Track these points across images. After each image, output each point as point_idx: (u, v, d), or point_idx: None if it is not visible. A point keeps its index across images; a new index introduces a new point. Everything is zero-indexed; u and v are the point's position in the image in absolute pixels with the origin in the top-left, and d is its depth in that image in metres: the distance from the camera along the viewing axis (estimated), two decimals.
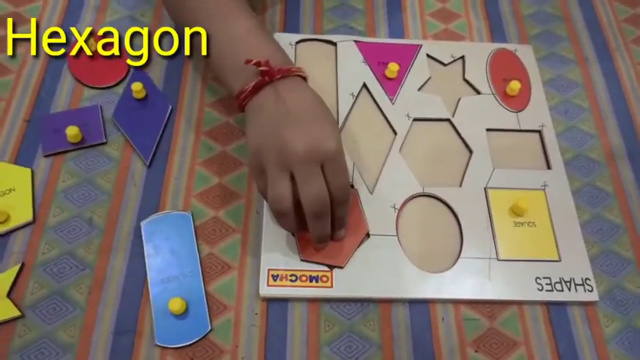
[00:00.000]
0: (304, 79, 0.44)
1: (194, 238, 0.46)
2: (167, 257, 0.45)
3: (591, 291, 0.44)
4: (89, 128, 0.50)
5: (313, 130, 0.39)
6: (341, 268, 0.44)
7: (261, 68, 0.41)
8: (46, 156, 0.49)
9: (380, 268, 0.44)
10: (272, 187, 0.40)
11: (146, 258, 0.44)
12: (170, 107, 0.52)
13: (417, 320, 0.43)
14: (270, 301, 0.43)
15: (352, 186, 0.48)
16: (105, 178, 0.48)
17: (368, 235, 0.46)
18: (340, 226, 0.44)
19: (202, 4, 0.47)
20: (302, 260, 0.44)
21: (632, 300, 0.45)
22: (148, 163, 0.49)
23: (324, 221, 0.41)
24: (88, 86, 0.53)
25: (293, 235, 0.45)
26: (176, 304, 0.41)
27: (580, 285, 0.44)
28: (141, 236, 0.45)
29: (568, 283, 0.44)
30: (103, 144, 0.50)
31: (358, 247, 0.45)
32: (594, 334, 0.44)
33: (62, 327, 0.41)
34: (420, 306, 0.44)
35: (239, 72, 0.43)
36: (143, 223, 0.46)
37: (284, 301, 0.43)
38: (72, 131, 0.48)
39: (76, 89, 0.53)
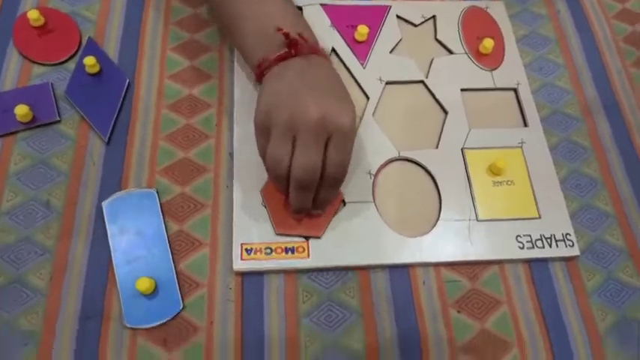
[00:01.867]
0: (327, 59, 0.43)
1: (161, 215, 0.43)
2: (132, 237, 0.42)
3: (572, 246, 0.43)
4: (40, 106, 0.47)
5: (332, 102, 0.38)
6: (318, 238, 0.42)
7: (292, 37, 0.39)
8: None
9: (357, 236, 0.43)
10: (273, 147, 0.38)
11: (110, 239, 0.42)
12: (127, 81, 0.49)
13: (398, 285, 0.42)
14: (245, 275, 0.42)
15: None
16: (61, 158, 0.45)
17: (344, 203, 0.44)
18: (321, 207, 0.42)
19: None
20: (277, 234, 0.42)
21: (613, 252, 0.45)
22: (106, 140, 0.46)
23: (307, 194, 0.39)
24: (36, 63, 0.50)
25: (265, 207, 0.43)
26: (144, 284, 0.39)
27: (561, 241, 0.44)
28: (103, 217, 0.43)
29: (549, 240, 0.44)
30: (56, 122, 0.47)
31: (334, 215, 0.43)
32: (576, 288, 0.43)
33: (23, 315, 0.39)
34: (400, 271, 0.43)
35: (264, 40, 0.41)
36: (105, 204, 0.43)
37: (259, 274, 0.42)
38: (21, 110, 0.45)
39: (24, 66, 0.49)
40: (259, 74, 0.41)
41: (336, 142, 0.38)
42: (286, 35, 0.40)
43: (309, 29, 0.44)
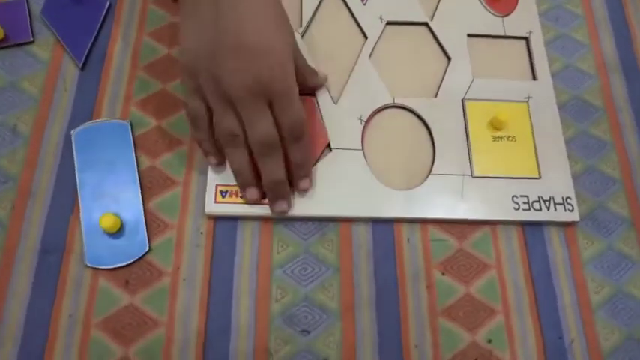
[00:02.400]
0: None
1: (132, 149, 0.40)
2: (101, 170, 0.39)
3: (572, 211, 0.40)
4: (13, 25, 0.44)
5: (257, 58, 0.33)
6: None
7: None
8: None
9: (342, 185, 0.40)
10: (220, 121, 0.35)
11: (77, 171, 0.39)
12: (108, 3, 0.45)
13: (380, 241, 0.39)
14: (217, 219, 0.39)
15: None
16: (31, 81, 0.42)
17: (329, 148, 0.41)
18: (301, 174, 0.38)
19: None
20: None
21: (615, 221, 0.42)
22: (80, 66, 0.43)
23: (275, 163, 0.36)
24: None
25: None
26: (108, 221, 0.36)
27: (560, 204, 0.40)
28: (72, 147, 0.40)
29: (547, 202, 0.40)
30: (29, 43, 0.43)
31: (318, 160, 0.40)
32: (571, 256, 0.40)
33: None
34: (385, 226, 0.40)
35: None
36: (74, 132, 0.40)
37: (233, 219, 0.39)
38: None
39: None
40: None
41: (279, 105, 0.34)
42: None
43: None
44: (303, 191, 0.39)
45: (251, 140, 0.35)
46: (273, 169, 0.36)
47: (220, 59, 0.33)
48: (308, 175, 0.38)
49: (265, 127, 0.34)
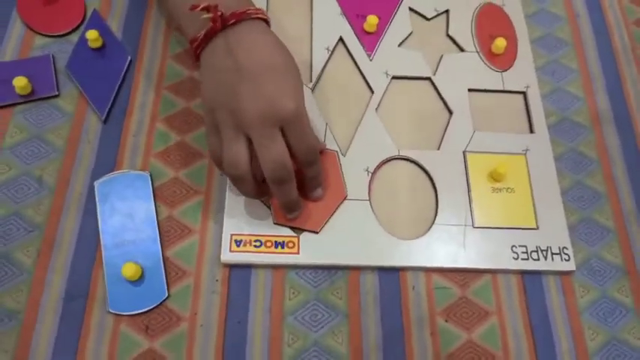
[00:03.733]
0: (266, 21, 0.40)
1: (152, 199, 0.43)
2: (122, 220, 0.42)
3: (568, 260, 0.42)
4: (40, 79, 0.46)
5: (268, 88, 0.35)
6: (316, 233, 0.42)
7: (211, 9, 0.36)
8: None
9: (350, 234, 0.42)
10: (227, 150, 0.36)
11: (99, 220, 0.41)
12: (129, 58, 0.48)
13: (387, 288, 0.41)
14: (232, 267, 0.41)
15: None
16: (56, 133, 0.45)
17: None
18: (315, 186, 0.41)
19: None
20: (275, 224, 0.42)
21: (610, 270, 0.44)
22: (103, 119, 0.45)
23: (288, 187, 0.38)
24: (39, 33, 0.49)
25: (264, 202, 0.42)
26: (130, 270, 0.39)
27: (557, 254, 0.43)
28: (94, 197, 0.42)
29: (545, 252, 0.43)
30: (55, 97, 0.46)
31: (334, 211, 0.42)
32: (568, 304, 0.42)
33: (8, 292, 0.39)
34: (391, 274, 0.42)
35: (193, 17, 0.38)
36: (97, 183, 0.43)
37: (247, 267, 0.41)
38: (20, 82, 0.44)
39: (27, 36, 0.48)
40: (195, 55, 0.39)
41: (291, 130, 0.36)
42: (206, 9, 0.36)
43: None
44: (317, 199, 0.42)
45: (264, 166, 0.36)
46: (286, 193, 0.38)
47: (235, 90, 0.35)
48: (320, 184, 0.41)
49: (278, 152, 0.35)
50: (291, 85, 0.37)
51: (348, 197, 0.43)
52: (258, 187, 0.38)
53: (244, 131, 0.36)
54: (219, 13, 0.36)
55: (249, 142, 0.36)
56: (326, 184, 0.43)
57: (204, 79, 0.38)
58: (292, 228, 0.42)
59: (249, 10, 0.38)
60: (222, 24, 0.37)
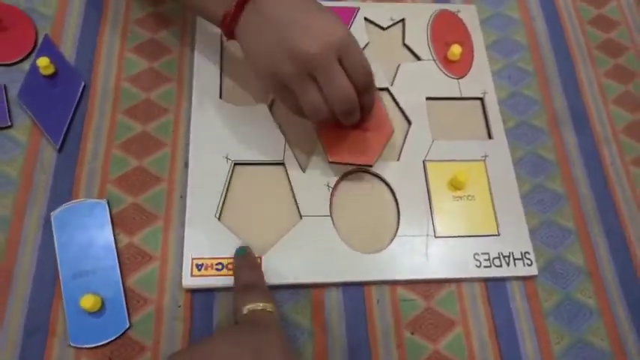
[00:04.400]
0: None
1: (110, 227, 0.42)
2: (80, 250, 0.41)
3: (530, 265, 0.43)
4: None
5: (317, 25, 0.37)
6: (370, 166, 0.44)
7: None
8: None
9: (312, 252, 0.42)
10: (304, 100, 0.38)
11: (57, 252, 0.41)
12: (82, 84, 0.47)
13: (351, 304, 0.41)
14: (194, 292, 0.41)
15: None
16: (10, 165, 0.44)
17: (300, 216, 0.43)
18: (368, 112, 0.43)
19: None
20: (330, 162, 0.43)
21: (573, 272, 0.44)
22: (58, 148, 0.45)
23: (355, 114, 0.40)
24: None
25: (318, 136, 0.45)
26: (89, 301, 0.38)
27: (519, 259, 0.43)
28: (51, 228, 0.42)
29: (507, 258, 0.43)
30: (7, 127, 0.45)
31: (386, 144, 0.44)
32: (532, 308, 0.42)
33: None
34: (355, 289, 0.42)
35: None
36: (53, 214, 0.42)
37: (210, 291, 0.41)
38: None
39: None
40: (229, 31, 0.40)
41: (348, 55, 0.38)
42: None
43: None
44: (367, 122, 0.44)
45: (333, 101, 0.38)
46: (353, 119, 0.41)
47: (289, 40, 0.37)
48: (371, 110, 0.43)
49: (344, 85, 0.38)
50: (332, 18, 0.38)
51: (310, 214, 0.43)
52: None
53: (310, 73, 0.37)
54: None
55: (317, 83, 0.38)
56: (374, 122, 0.44)
57: (249, 49, 0.39)
58: (347, 164, 0.43)
59: None
60: None
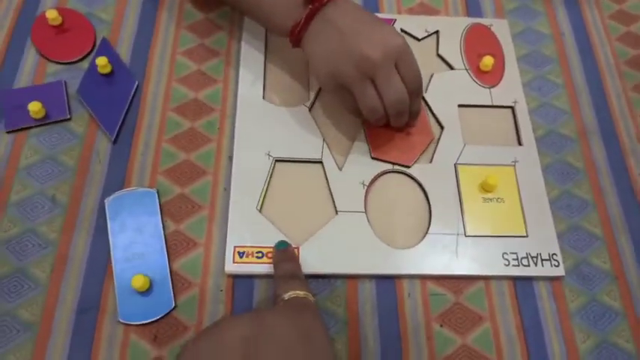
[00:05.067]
0: None
1: (159, 215, 0.45)
2: (131, 235, 0.44)
3: (557, 266, 0.44)
4: (53, 104, 0.49)
5: (378, 35, 0.42)
6: (408, 167, 0.47)
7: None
8: (8, 132, 0.48)
9: (347, 244, 0.44)
10: (364, 100, 0.42)
11: (110, 235, 0.44)
12: (136, 83, 0.51)
13: (383, 296, 0.43)
14: (235, 277, 0.43)
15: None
16: (69, 154, 0.47)
17: (336, 211, 0.45)
18: (415, 117, 0.47)
19: None
20: (372, 158, 0.48)
21: (599, 275, 0.45)
22: (113, 140, 0.48)
23: (405, 115, 0.45)
24: (52, 61, 0.52)
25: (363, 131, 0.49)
26: (139, 281, 0.41)
27: (547, 260, 0.44)
28: (105, 214, 0.45)
29: (535, 259, 0.44)
30: (67, 120, 0.49)
31: (426, 148, 0.49)
32: (559, 308, 0.44)
33: (24, 305, 0.41)
34: (387, 282, 0.44)
35: (285, 8, 0.44)
36: (107, 200, 0.45)
37: (250, 277, 0.43)
38: (34, 107, 0.47)
39: (40, 64, 0.51)
40: (296, 40, 0.45)
41: (404, 61, 0.42)
42: None
43: None
44: (411, 126, 0.49)
45: (388, 102, 0.42)
46: (403, 120, 0.45)
47: (354, 46, 0.41)
48: (418, 116, 0.48)
49: (399, 87, 0.42)
50: (391, 29, 0.43)
51: (346, 209, 0.45)
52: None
53: (370, 75, 0.41)
54: (316, 2, 0.43)
55: (375, 86, 0.42)
56: (417, 127, 0.49)
57: (315, 54, 0.44)
58: (388, 162, 0.48)
59: None
60: (320, 4, 0.42)
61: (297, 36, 0.44)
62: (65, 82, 0.51)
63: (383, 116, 0.44)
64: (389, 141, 0.48)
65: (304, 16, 0.43)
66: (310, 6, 0.43)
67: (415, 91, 0.44)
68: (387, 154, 0.48)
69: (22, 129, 0.48)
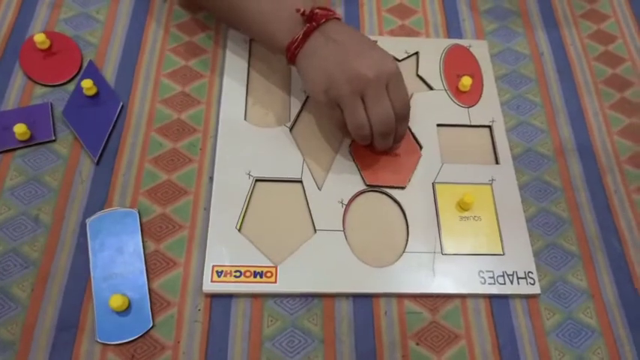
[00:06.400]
0: (339, 19, 0.46)
1: (140, 234, 0.46)
2: (112, 254, 0.45)
3: (533, 284, 0.45)
4: (38, 126, 0.50)
5: (374, 56, 0.43)
6: (403, 188, 0.48)
7: (307, 13, 0.44)
8: None
9: (325, 263, 0.44)
10: (352, 116, 0.44)
11: (90, 255, 0.44)
12: (121, 104, 0.52)
13: (360, 314, 0.43)
14: (213, 297, 0.44)
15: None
16: (52, 175, 0.48)
17: (314, 230, 0.46)
18: (398, 141, 0.48)
19: None
20: (367, 185, 0.48)
21: (575, 293, 0.46)
22: (96, 161, 0.49)
23: (390, 138, 0.46)
24: (39, 83, 0.53)
25: (353, 161, 0.50)
26: (117, 301, 0.41)
27: (522, 278, 0.45)
28: (86, 233, 0.45)
29: (511, 277, 0.45)
30: (52, 142, 0.50)
31: (416, 167, 0.50)
32: (535, 326, 0.44)
33: (3, 324, 0.41)
34: (364, 300, 0.44)
35: (283, 25, 0.45)
36: (88, 221, 0.46)
37: (228, 296, 0.44)
38: (20, 129, 0.48)
39: (28, 87, 0.53)
40: (291, 56, 0.46)
41: (394, 85, 0.44)
42: (303, 13, 0.44)
43: None
44: (394, 152, 0.50)
45: (374, 121, 0.44)
46: (387, 142, 0.46)
47: (349, 63, 0.43)
48: (401, 141, 0.49)
49: (387, 108, 0.43)
50: (385, 52, 0.45)
51: (324, 228, 0.46)
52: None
53: (361, 93, 0.43)
54: (317, 11, 0.44)
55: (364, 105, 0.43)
56: (403, 147, 0.50)
57: (308, 70, 0.45)
58: (384, 186, 0.48)
59: (331, 11, 0.45)
60: (317, 23, 0.44)
61: (293, 52, 0.45)
62: (51, 104, 0.52)
63: (368, 135, 0.45)
64: (380, 166, 0.49)
65: (302, 33, 0.44)
66: (308, 24, 0.44)
67: (402, 116, 0.45)
68: (380, 179, 0.49)
69: (7, 150, 0.49)
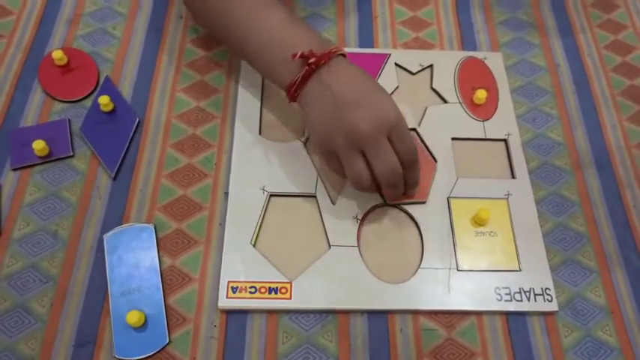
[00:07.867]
0: (344, 55, 0.45)
1: (156, 250, 0.46)
2: (128, 270, 0.45)
3: (551, 301, 0.44)
4: (57, 142, 0.51)
5: (371, 106, 0.41)
6: (423, 203, 0.48)
7: (309, 58, 0.42)
8: (14, 169, 0.49)
9: (339, 279, 0.44)
10: (350, 169, 0.42)
11: (107, 270, 0.45)
12: (137, 119, 0.53)
13: (375, 331, 0.43)
14: (229, 312, 0.44)
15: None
16: (70, 191, 0.49)
17: (329, 245, 0.46)
18: (413, 188, 0.46)
19: (233, 6, 0.47)
20: (387, 204, 0.48)
21: (593, 310, 0.45)
22: (113, 176, 0.49)
23: (399, 187, 0.44)
24: (57, 100, 0.54)
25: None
26: (134, 317, 0.42)
27: (540, 295, 0.44)
28: (103, 249, 0.46)
29: (528, 293, 0.44)
30: (70, 157, 0.51)
31: (433, 180, 0.49)
32: (553, 344, 0.43)
33: (23, 340, 0.42)
34: (379, 317, 0.44)
35: (284, 65, 0.44)
36: (106, 236, 0.46)
37: (243, 312, 0.44)
38: (38, 145, 0.49)
39: (46, 103, 0.54)
40: (292, 96, 0.45)
41: (396, 135, 0.42)
42: (302, 56, 0.42)
43: (316, 35, 0.45)
44: (412, 195, 0.48)
45: (379, 173, 0.42)
46: (398, 192, 0.45)
47: (344, 117, 0.41)
48: (416, 186, 0.47)
49: (390, 159, 0.42)
50: (386, 101, 0.42)
51: (339, 244, 0.46)
52: (377, 188, 0.44)
53: (360, 147, 0.41)
54: (312, 60, 0.42)
55: (364, 156, 0.42)
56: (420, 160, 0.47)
57: (309, 115, 0.44)
58: (403, 204, 0.48)
59: (332, 49, 0.43)
60: (316, 65, 0.42)
61: (292, 93, 0.44)
62: (69, 120, 0.52)
63: (369, 186, 0.43)
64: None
65: (300, 76, 0.43)
66: (307, 67, 0.42)
67: (409, 164, 0.43)
68: (401, 197, 0.47)
69: (27, 166, 0.50)
